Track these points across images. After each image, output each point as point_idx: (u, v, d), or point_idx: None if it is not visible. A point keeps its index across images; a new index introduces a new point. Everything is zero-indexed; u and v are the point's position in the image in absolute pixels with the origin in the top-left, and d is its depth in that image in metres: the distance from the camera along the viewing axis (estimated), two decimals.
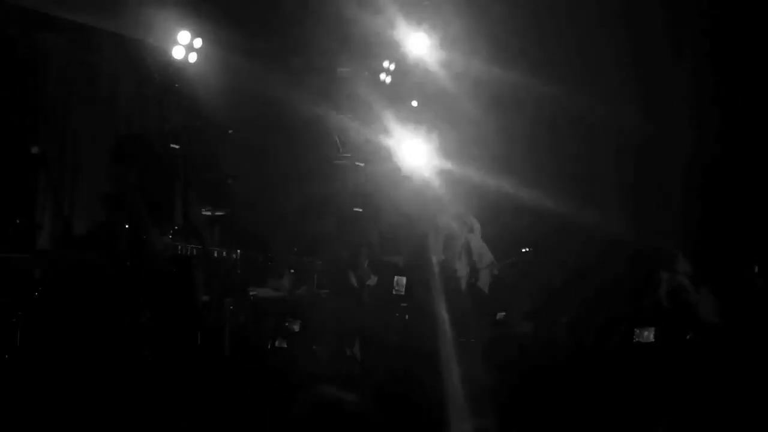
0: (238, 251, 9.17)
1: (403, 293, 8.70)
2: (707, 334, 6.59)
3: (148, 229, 6.78)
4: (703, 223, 9.07)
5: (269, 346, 8.40)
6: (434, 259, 8.90)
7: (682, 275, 7.21)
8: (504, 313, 8.87)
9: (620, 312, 7.80)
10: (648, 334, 6.60)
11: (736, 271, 7.71)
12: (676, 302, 7.13)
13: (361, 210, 10.80)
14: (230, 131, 10.12)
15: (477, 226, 9.13)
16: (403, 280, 8.71)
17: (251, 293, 9.11)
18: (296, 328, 8.39)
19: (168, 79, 9.64)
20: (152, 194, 6.92)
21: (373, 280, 9.32)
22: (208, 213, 9.30)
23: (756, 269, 7.74)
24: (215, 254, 9.06)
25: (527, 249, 9.20)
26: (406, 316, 8.75)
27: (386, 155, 10.43)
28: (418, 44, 10.44)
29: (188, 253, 8.13)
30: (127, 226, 6.91)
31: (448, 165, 9.77)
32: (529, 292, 9.01)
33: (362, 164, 10.84)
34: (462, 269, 9.11)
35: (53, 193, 8.77)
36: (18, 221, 8.65)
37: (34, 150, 7.92)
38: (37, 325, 7.36)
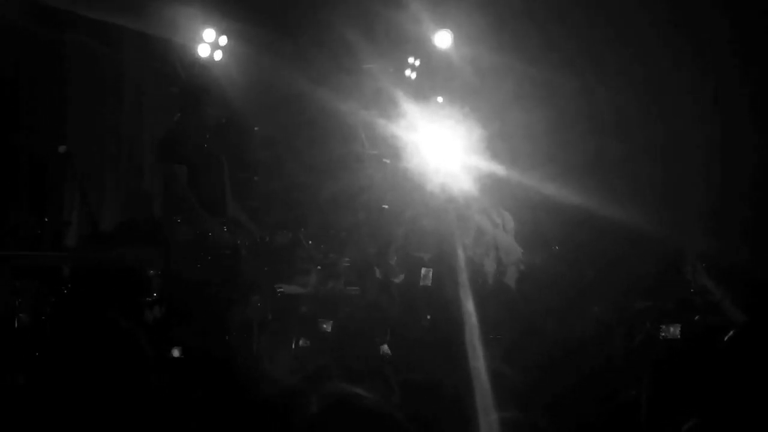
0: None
1: (429, 285, 8.68)
2: (737, 333, 6.51)
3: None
4: (727, 220, 9.03)
5: (293, 345, 8.41)
6: (461, 254, 8.89)
7: (703, 274, 7.15)
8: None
9: (645, 308, 7.75)
10: (675, 330, 6.54)
11: (755, 270, 7.67)
12: (704, 300, 7.07)
13: (387, 206, 10.79)
14: (256, 128, 10.15)
15: (509, 220, 9.11)
16: (431, 272, 8.70)
17: (278, 290, 9.13)
18: (328, 328, 8.38)
19: (194, 77, 9.69)
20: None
21: (400, 278, 9.31)
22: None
23: None
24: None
25: (556, 247, 9.18)
26: (428, 316, 8.72)
27: (412, 151, 10.42)
28: (443, 40, 10.42)
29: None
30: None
31: (473, 160, 9.75)
32: (556, 289, 8.97)
33: (388, 160, 10.83)
34: (489, 264, 9.09)
35: (81, 191, 8.83)
36: (46, 219, 8.75)
37: (61, 149, 7.98)
38: (65, 322, 7.43)
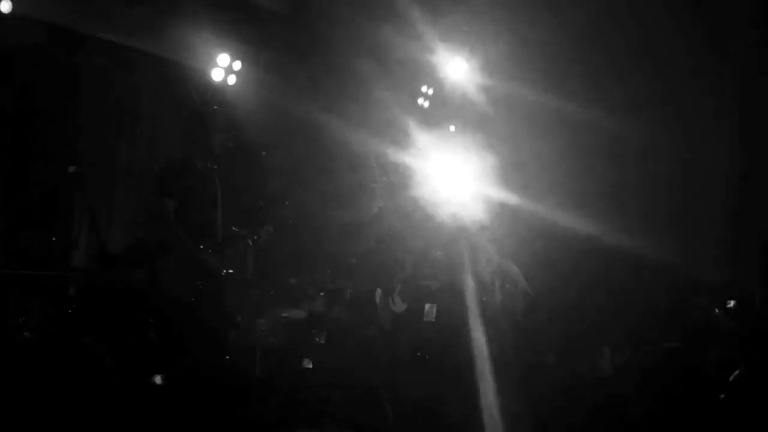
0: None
1: (433, 321, 8.61)
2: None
3: (196, 252, 6.82)
4: (741, 247, 8.97)
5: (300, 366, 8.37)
6: (471, 284, 8.81)
7: (707, 304, 7.03)
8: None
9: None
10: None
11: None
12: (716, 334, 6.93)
13: (397, 234, 10.74)
14: (263, 153, 10.15)
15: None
16: (434, 308, 8.63)
17: (283, 315, 9.09)
18: (322, 340, 8.36)
19: (207, 101, 9.70)
20: (194, 215, 6.96)
21: (401, 308, 9.25)
22: (243, 233, 9.29)
23: None
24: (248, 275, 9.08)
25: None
26: (426, 354, 8.61)
27: (423, 178, 10.39)
28: (457, 69, 10.43)
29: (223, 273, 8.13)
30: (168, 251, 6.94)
31: (485, 189, 9.71)
32: (560, 322, 8.87)
33: (399, 187, 10.80)
34: (496, 295, 9.00)
35: (90, 211, 8.83)
36: (54, 239, 8.75)
37: (71, 169, 7.99)
38: (70, 342, 7.39)
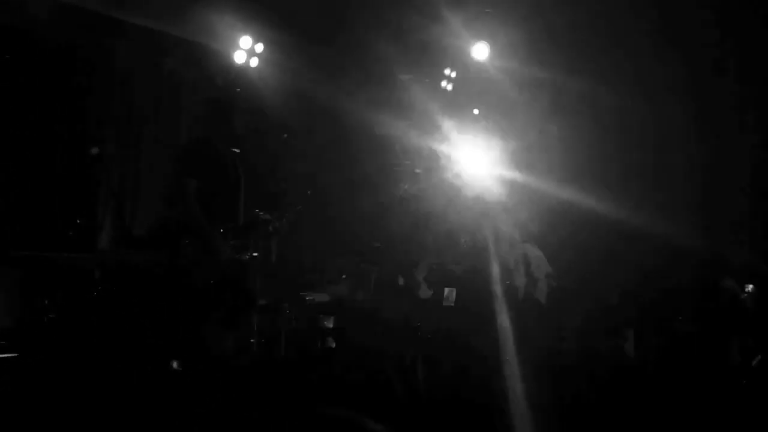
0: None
1: (452, 305, 8.61)
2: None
3: (212, 235, 6.81)
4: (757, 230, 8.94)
5: (319, 345, 8.38)
6: (495, 268, 8.81)
7: (732, 283, 6.98)
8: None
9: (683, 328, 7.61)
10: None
11: None
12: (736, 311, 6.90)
13: (422, 218, 10.73)
14: (285, 136, 10.15)
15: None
16: (453, 292, 8.63)
17: (308, 298, 9.10)
18: (329, 324, 8.37)
19: (229, 83, 9.72)
20: (215, 198, 6.96)
21: (427, 294, 9.24)
22: (267, 217, 9.29)
23: None
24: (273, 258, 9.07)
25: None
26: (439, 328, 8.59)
27: (447, 162, 10.36)
28: (480, 52, 10.37)
29: (247, 256, 8.13)
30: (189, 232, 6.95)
31: (508, 173, 9.68)
32: (583, 306, 8.83)
33: (422, 171, 10.77)
34: (519, 279, 8.99)
35: (114, 194, 8.85)
36: (79, 221, 8.78)
37: (94, 150, 8.00)
38: (95, 324, 7.44)
